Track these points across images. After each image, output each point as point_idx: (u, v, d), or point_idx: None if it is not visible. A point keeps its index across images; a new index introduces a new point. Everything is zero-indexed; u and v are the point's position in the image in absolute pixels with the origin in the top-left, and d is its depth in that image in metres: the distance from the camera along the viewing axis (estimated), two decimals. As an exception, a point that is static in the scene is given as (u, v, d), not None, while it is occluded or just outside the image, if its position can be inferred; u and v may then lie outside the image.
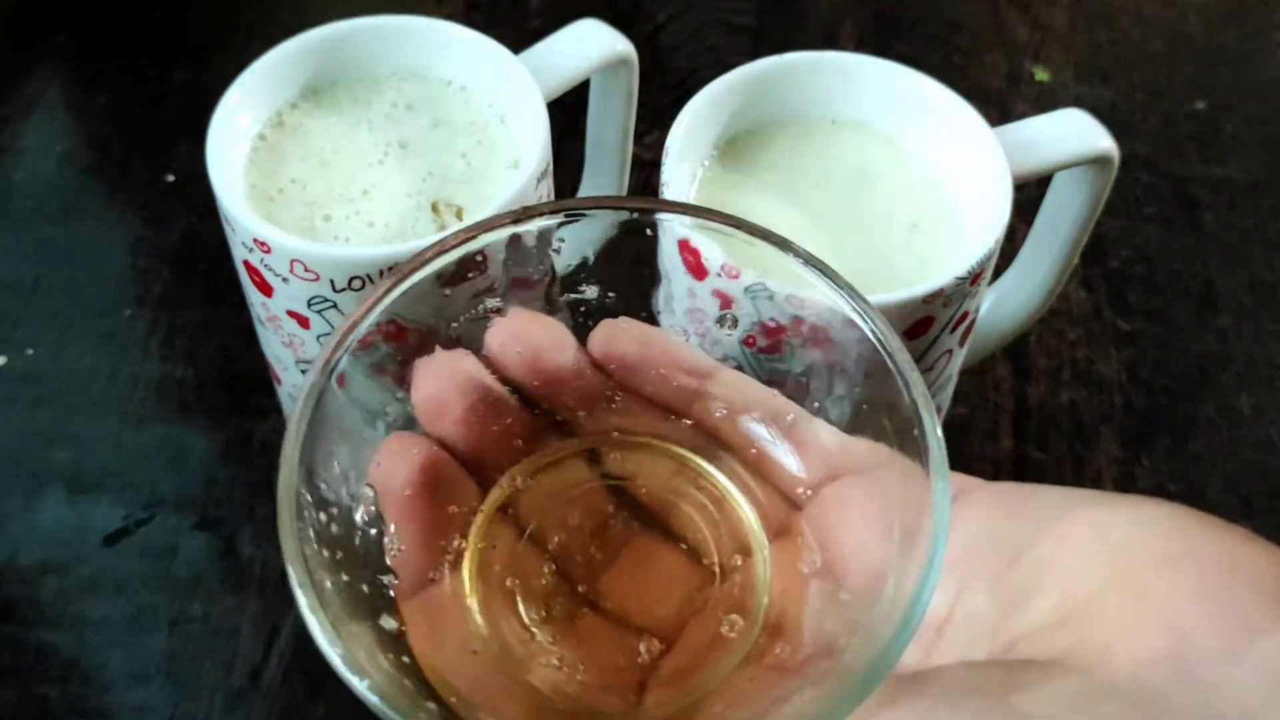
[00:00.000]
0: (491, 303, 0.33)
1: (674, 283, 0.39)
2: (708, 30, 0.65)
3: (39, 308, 0.54)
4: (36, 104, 0.61)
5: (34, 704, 0.43)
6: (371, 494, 0.30)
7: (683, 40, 0.65)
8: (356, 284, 0.37)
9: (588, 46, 0.43)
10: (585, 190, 0.50)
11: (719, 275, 0.37)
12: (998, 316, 0.47)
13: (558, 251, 0.33)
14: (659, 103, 0.60)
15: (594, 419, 0.34)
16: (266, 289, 0.39)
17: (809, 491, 0.32)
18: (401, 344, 0.31)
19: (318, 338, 0.39)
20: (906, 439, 0.29)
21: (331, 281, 0.37)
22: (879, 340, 0.30)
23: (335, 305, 0.38)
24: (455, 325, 0.32)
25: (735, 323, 0.36)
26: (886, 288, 0.38)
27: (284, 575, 0.48)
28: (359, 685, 0.27)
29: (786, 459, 0.33)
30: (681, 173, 0.40)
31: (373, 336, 0.30)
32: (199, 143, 0.39)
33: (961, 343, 0.41)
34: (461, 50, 0.42)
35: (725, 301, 0.37)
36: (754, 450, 0.33)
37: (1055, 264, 0.45)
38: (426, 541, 0.31)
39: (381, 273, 0.37)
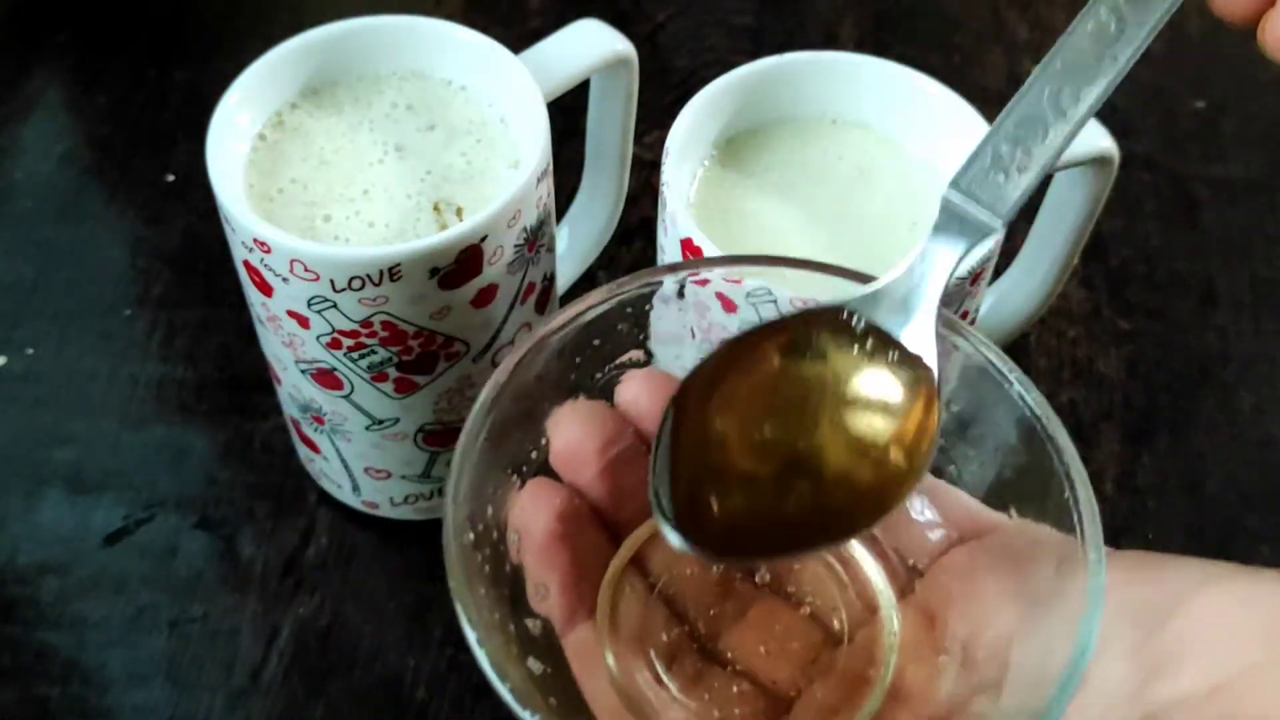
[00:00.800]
0: (635, 355, 0.33)
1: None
2: (708, 30, 0.65)
3: (39, 308, 0.54)
4: (36, 104, 0.61)
5: (34, 704, 0.43)
6: (516, 539, 0.31)
7: (683, 40, 0.65)
8: (356, 284, 0.37)
9: (588, 46, 0.43)
10: (585, 190, 0.50)
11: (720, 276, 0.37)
12: (998, 316, 0.47)
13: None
14: (659, 103, 0.60)
15: None
16: (266, 289, 0.39)
17: (937, 553, 0.32)
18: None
19: (317, 337, 0.39)
20: (1050, 502, 0.29)
21: (331, 281, 0.37)
22: (1028, 405, 0.30)
23: (335, 305, 0.38)
24: (598, 376, 0.33)
25: None
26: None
27: (284, 575, 0.48)
28: None
29: (914, 521, 0.33)
30: (681, 173, 0.40)
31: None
32: (199, 143, 0.39)
33: (962, 342, 0.41)
34: (461, 50, 0.42)
35: (727, 305, 0.37)
36: None
37: (1055, 264, 0.45)
38: (566, 589, 0.31)
39: (382, 273, 0.37)
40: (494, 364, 0.42)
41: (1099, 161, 0.41)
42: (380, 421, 0.42)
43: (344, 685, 0.44)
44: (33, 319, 0.53)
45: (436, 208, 0.40)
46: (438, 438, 0.43)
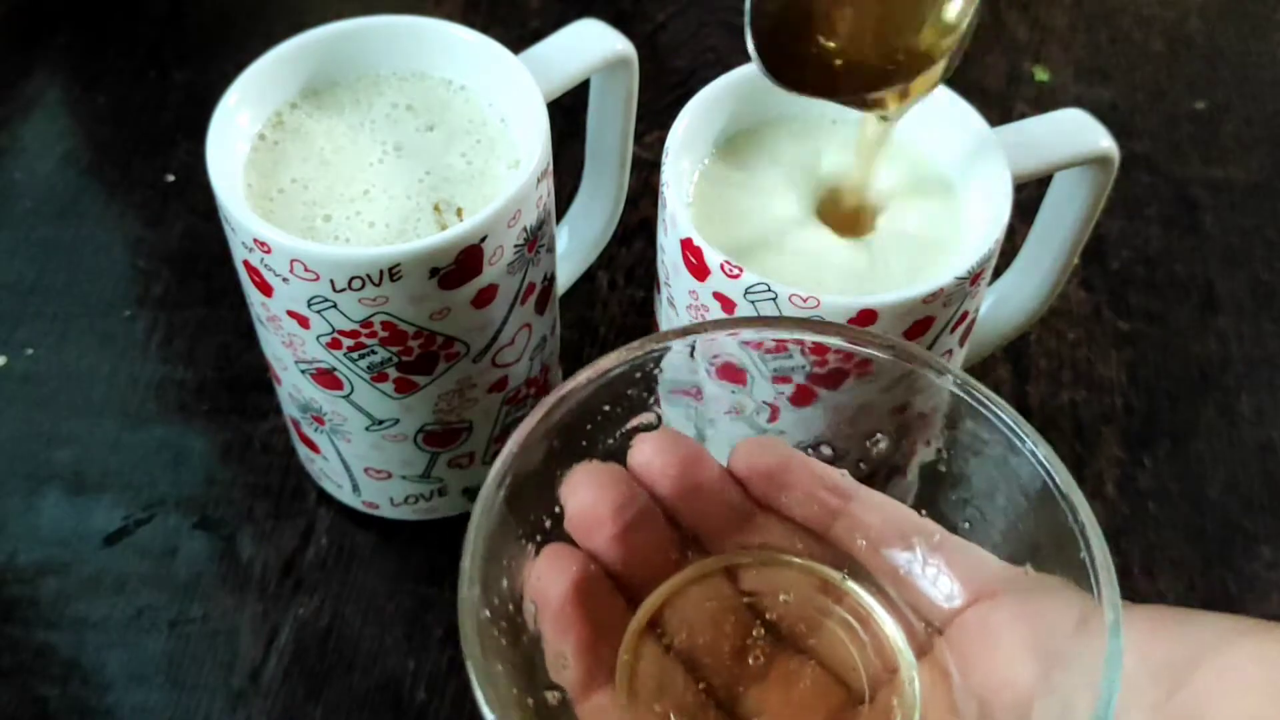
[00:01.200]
0: (646, 418, 0.33)
1: (675, 284, 0.39)
2: (708, 30, 0.65)
3: (39, 308, 0.54)
4: (36, 104, 0.61)
5: (34, 704, 0.43)
6: (534, 609, 0.31)
7: (683, 40, 0.65)
8: (356, 284, 0.37)
9: (588, 46, 0.43)
10: (585, 190, 0.50)
11: (720, 275, 0.37)
12: (998, 316, 0.47)
13: (707, 372, 0.34)
14: (659, 103, 0.60)
15: (735, 536, 0.34)
16: (266, 289, 0.39)
17: (954, 612, 0.32)
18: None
19: (317, 338, 0.39)
20: (1066, 561, 0.29)
21: (331, 281, 0.37)
22: (1041, 464, 0.30)
23: (335, 305, 0.38)
24: (610, 441, 0.33)
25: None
26: (886, 288, 0.38)
27: (284, 575, 0.48)
28: None
29: (931, 580, 0.33)
30: (681, 173, 0.40)
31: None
32: (199, 143, 0.39)
33: (961, 343, 0.41)
34: (461, 50, 0.42)
35: (727, 304, 0.37)
36: (898, 571, 0.33)
37: (1055, 264, 0.45)
38: (582, 655, 0.31)
39: (382, 273, 0.37)
40: (494, 364, 0.42)
41: (1099, 162, 0.41)
42: (380, 422, 0.42)
43: (343, 686, 0.44)
44: (33, 319, 0.53)
45: (437, 208, 0.40)
46: (438, 438, 0.43)
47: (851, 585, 0.34)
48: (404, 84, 0.43)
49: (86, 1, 0.65)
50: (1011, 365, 0.53)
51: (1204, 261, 0.56)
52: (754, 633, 0.33)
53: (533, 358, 0.44)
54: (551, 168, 0.41)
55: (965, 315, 0.39)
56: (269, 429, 0.50)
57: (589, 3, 0.65)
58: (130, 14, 0.65)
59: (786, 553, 0.34)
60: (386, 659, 0.44)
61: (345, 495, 0.47)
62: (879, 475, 0.35)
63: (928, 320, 0.37)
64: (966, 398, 0.32)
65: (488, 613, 0.29)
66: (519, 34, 0.63)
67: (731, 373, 0.40)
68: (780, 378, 0.39)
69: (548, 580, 0.31)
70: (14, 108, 0.61)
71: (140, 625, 0.45)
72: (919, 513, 0.33)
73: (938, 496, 0.33)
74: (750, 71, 0.41)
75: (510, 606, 0.31)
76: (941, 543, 0.33)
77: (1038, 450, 0.30)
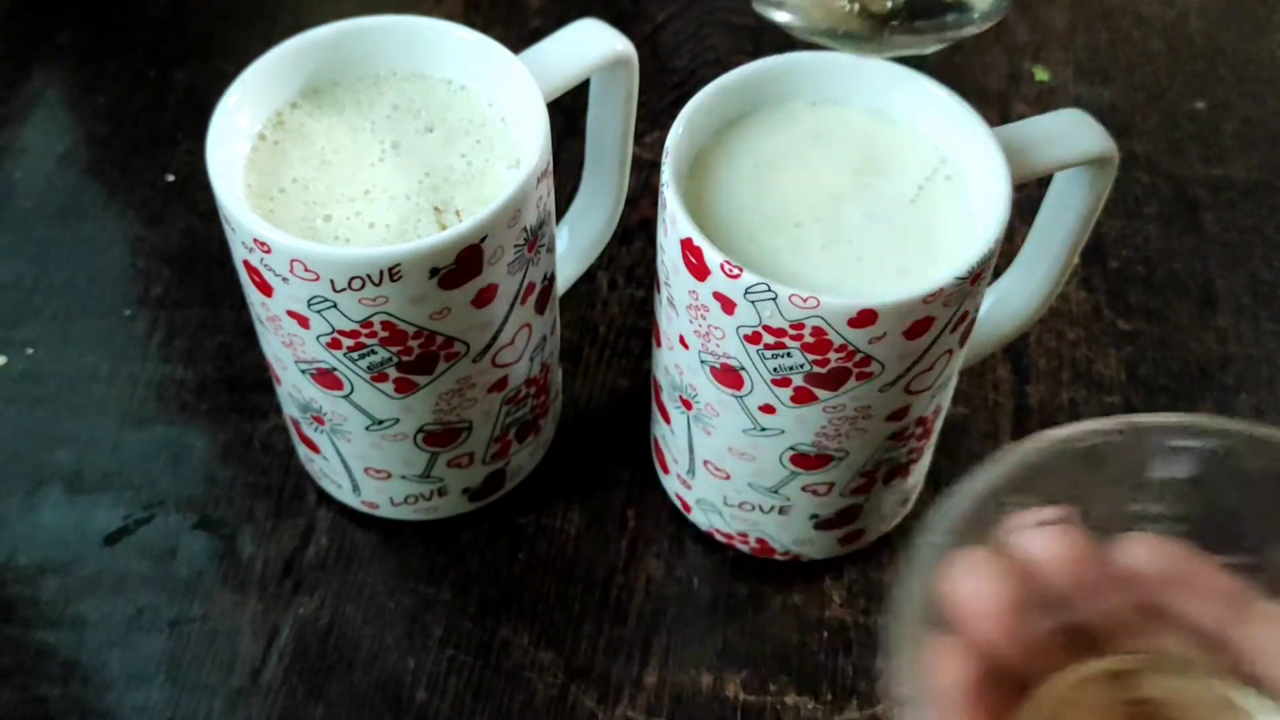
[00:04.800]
0: (1049, 513, 0.32)
1: (675, 284, 0.39)
2: (708, 30, 0.65)
3: (39, 308, 0.54)
4: (36, 104, 0.61)
5: (34, 704, 0.43)
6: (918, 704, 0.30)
7: (683, 40, 0.65)
8: (356, 284, 0.37)
9: (588, 46, 0.43)
10: (585, 190, 0.50)
11: (720, 275, 0.37)
12: (998, 316, 0.47)
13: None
14: (659, 103, 0.60)
15: (1126, 639, 0.33)
16: (266, 289, 0.39)
17: None
18: None
19: (317, 338, 0.39)
20: None
21: (331, 281, 0.37)
22: None
23: (335, 305, 0.38)
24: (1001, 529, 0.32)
25: None
26: (883, 287, 0.38)
27: (284, 575, 0.48)
28: None
29: None
30: (681, 172, 0.40)
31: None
32: (199, 143, 0.39)
33: (961, 343, 0.41)
34: (461, 50, 0.42)
35: (727, 304, 0.37)
36: None
37: (1055, 264, 0.45)
38: None
39: (382, 273, 0.37)
40: (494, 364, 0.42)
41: (1099, 161, 0.41)
42: (380, 421, 0.42)
43: (344, 685, 0.44)
44: (33, 319, 0.53)
45: (437, 208, 0.40)
46: (438, 438, 0.43)
47: (1255, 703, 0.32)
48: (404, 84, 0.43)
49: (86, 1, 0.65)
50: (1011, 365, 0.53)
51: (1203, 260, 0.56)
52: None
53: (533, 357, 0.44)
54: (551, 168, 0.41)
55: (965, 315, 0.39)
56: (269, 429, 0.50)
57: (589, 3, 0.65)
58: (130, 14, 0.65)
59: (1180, 660, 0.33)
60: (386, 658, 0.44)
61: (345, 495, 0.47)
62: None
63: (928, 320, 0.37)
64: None
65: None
66: (519, 34, 0.63)
67: (729, 375, 0.40)
68: (779, 380, 0.39)
69: (940, 674, 0.30)
70: (14, 108, 0.61)
71: (140, 625, 0.45)
72: None
73: None
74: (751, 71, 0.42)
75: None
76: None
77: None
